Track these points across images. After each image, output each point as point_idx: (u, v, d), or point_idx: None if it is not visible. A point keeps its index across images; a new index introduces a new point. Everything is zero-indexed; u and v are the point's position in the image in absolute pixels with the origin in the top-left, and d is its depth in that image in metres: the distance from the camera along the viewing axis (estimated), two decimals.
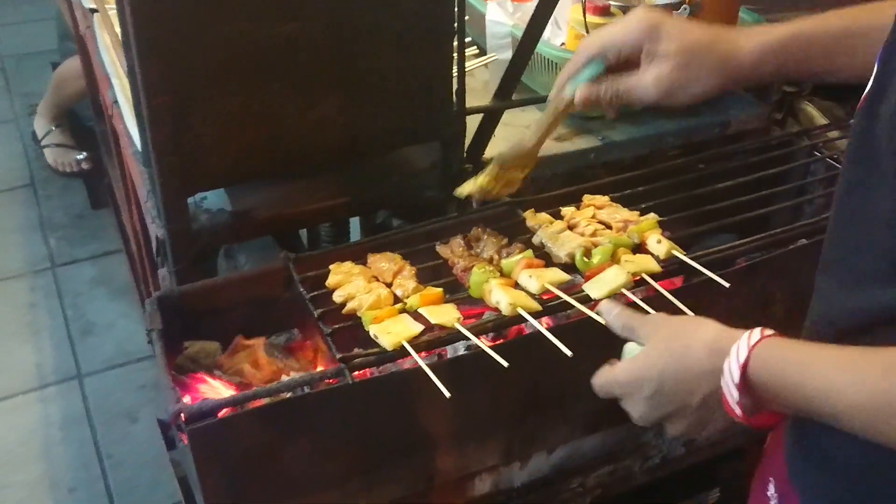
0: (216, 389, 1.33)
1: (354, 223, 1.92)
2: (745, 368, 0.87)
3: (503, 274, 1.33)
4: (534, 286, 1.30)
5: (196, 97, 1.32)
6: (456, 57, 1.51)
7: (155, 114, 1.28)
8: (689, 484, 1.84)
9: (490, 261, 1.38)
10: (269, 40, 1.33)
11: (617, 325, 1.10)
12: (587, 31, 1.67)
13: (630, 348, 1.09)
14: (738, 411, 0.89)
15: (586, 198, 1.52)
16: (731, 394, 0.88)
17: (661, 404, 0.98)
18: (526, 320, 1.28)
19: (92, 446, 2.63)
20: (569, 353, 1.17)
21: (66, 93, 3.49)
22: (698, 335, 0.95)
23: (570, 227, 1.46)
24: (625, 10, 1.77)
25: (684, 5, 1.79)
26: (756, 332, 0.89)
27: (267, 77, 1.36)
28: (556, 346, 1.19)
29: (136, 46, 1.22)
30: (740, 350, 0.88)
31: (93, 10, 1.93)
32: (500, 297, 1.27)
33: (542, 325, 1.25)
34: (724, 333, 0.93)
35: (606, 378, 1.04)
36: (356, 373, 1.23)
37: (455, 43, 1.50)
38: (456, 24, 1.48)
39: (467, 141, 1.62)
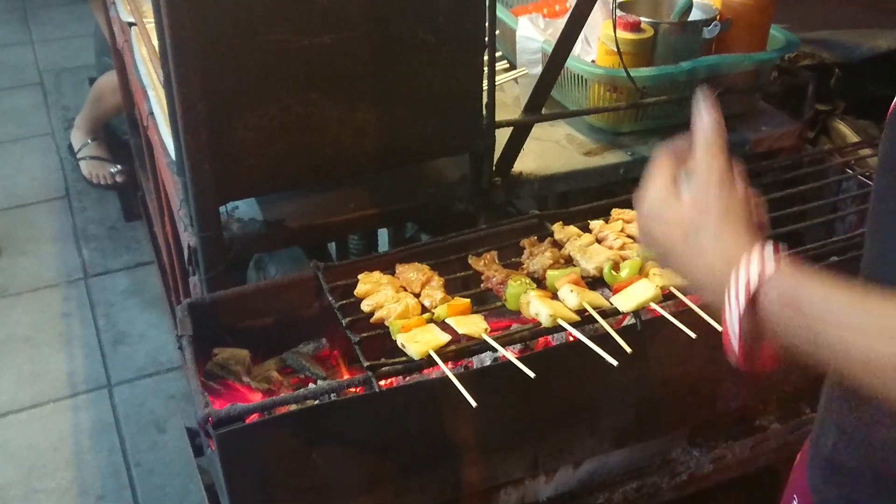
0: (245, 395, 1.34)
1: (383, 236, 1.94)
2: (752, 300, 0.77)
3: (539, 287, 1.34)
4: (573, 301, 1.30)
5: (233, 106, 1.35)
6: (486, 71, 1.52)
7: (190, 123, 1.30)
8: (720, 501, 1.82)
9: (531, 272, 1.39)
10: (307, 50, 1.35)
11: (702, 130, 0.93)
12: (618, 48, 1.67)
13: None
14: (735, 342, 0.80)
15: (615, 212, 1.52)
16: (733, 324, 0.78)
17: (661, 248, 0.90)
18: (556, 332, 1.29)
19: (121, 455, 2.65)
20: (613, 361, 1.18)
21: (103, 107, 3.56)
22: (722, 242, 0.84)
23: (599, 241, 1.46)
24: (655, 26, 1.77)
25: (715, 22, 1.79)
26: (770, 262, 0.78)
27: (304, 87, 1.39)
28: (586, 357, 1.19)
29: (173, 58, 1.25)
30: (751, 279, 0.77)
31: (131, 24, 1.97)
32: (540, 309, 1.27)
33: (584, 336, 1.24)
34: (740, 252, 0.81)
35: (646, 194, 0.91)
36: (383, 381, 1.24)
37: (486, 57, 1.51)
38: (487, 38, 1.49)
39: (497, 154, 1.63)
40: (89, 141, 3.66)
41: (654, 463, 1.57)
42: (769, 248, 0.79)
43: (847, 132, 2.02)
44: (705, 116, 0.92)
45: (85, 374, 2.93)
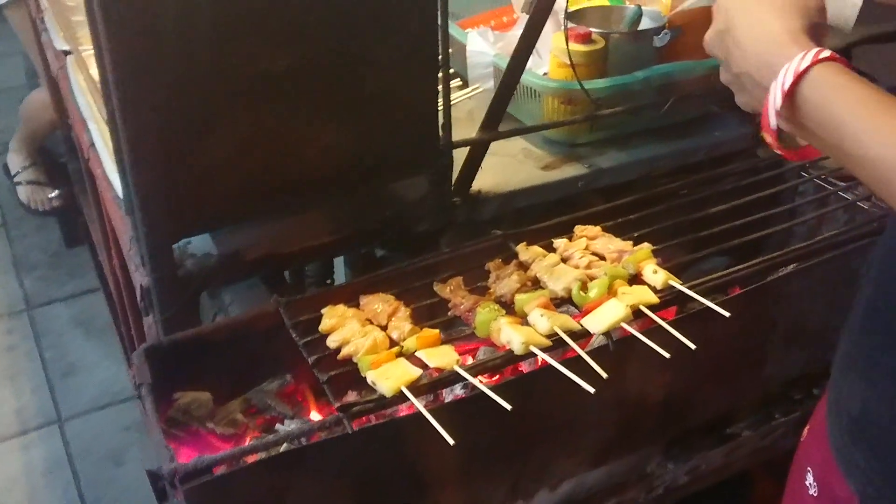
0: (210, 442, 1.29)
1: (339, 260, 1.90)
2: (798, 78, 0.82)
3: (507, 311, 1.32)
4: (544, 326, 1.27)
5: (186, 137, 1.28)
6: (441, 89, 1.49)
7: (139, 162, 1.24)
8: None
9: (498, 297, 1.36)
10: (263, 74, 1.29)
11: None
12: (570, 60, 1.65)
13: None
14: (773, 122, 0.84)
15: (578, 228, 1.51)
16: (775, 99, 0.83)
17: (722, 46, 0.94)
18: (529, 358, 1.26)
19: (76, 491, 2.56)
20: (591, 389, 1.15)
21: (35, 126, 3.44)
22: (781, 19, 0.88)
23: (564, 260, 1.44)
24: (606, 36, 1.76)
25: (665, 30, 1.79)
26: (826, 51, 0.83)
27: (264, 110, 1.33)
28: (561, 382, 1.17)
29: (117, 94, 1.19)
30: (804, 59, 0.82)
31: (66, 52, 1.89)
32: (512, 336, 1.25)
33: (559, 365, 1.22)
34: (797, 35, 0.86)
35: None
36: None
37: (440, 75, 1.48)
38: (441, 56, 1.46)
39: (454, 173, 1.60)
40: (27, 165, 3.54)
41: (631, 478, 1.56)
42: (820, 50, 0.82)
43: None
44: None
45: (34, 409, 2.83)
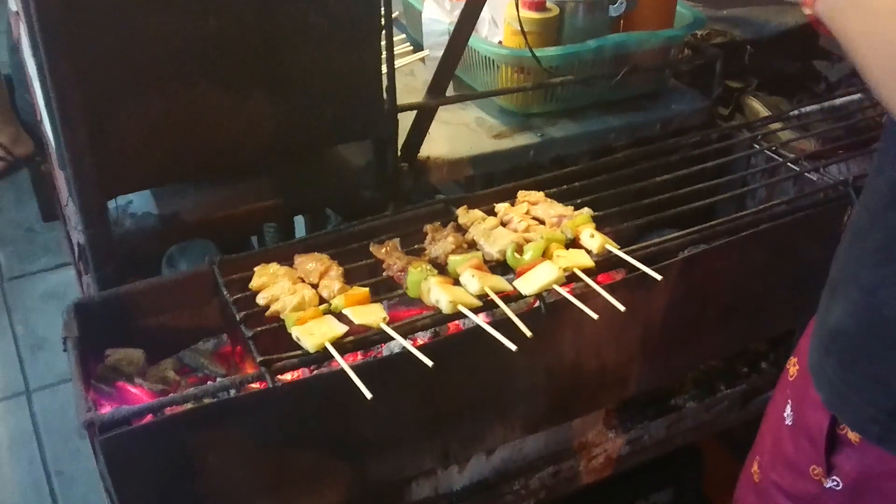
0: (137, 398, 1.28)
1: (300, 226, 1.88)
2: None
3: (441, 272, 1.31)
4: (474, 286, 1.26)
5: (114, 96, 1.28)
6: (385, 54, 1.48)
7: (67, 114, 1.23)
8: (640, 484, 1.82)
9: (433, 259, 1.35)
10: (191, 36, 1.29)
11: None
12: (522, 27, 1.64)
13: None
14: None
15: (521, 194, 1.49)
16: None
17: None
18: (457, 318, 1.26)
19: (41, 465, 2.56)
20: (512, 346, 1.15)
21: None
22: None
23: (503, 224, 1.43)
24: (561, 5, 1.75)
25: (621, 1, 1.77)
26: None
27: (191, 74, 1.32)
28: (489, 343, 1.16)
29: (44, 43, 1.18)
30: None
31: (16, 13, 1.88)
32: (440, 296, 1.24)
33: (482, 322, 1.21)
34: None
35: None
36: (285, 376, 1.20)
37: (384, 41, 1.47)
38: (383, 20, 1.45)
39: (402, 139, 1.59)
40: None
41: (570, 447, 1.55)
42: None
43: (759, 108, 2.02)
44: None
45: (2, 381, 2.82)
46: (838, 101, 1.86)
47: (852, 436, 1.03)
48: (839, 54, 2.10)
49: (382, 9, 1.43)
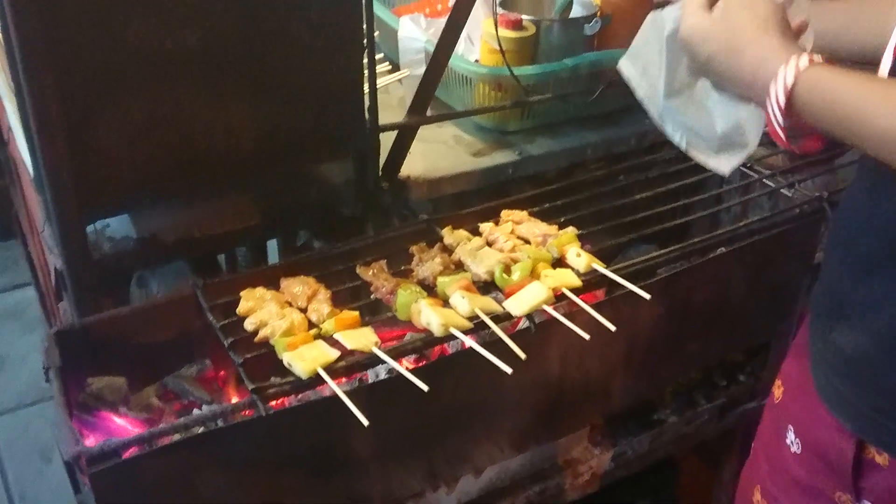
0: (122, 427, 1.26)
1: (273, 245, 1.86)
2: (790, 93, 0.91)
3: (429, 293, 1.30)
4: (465, 308, 1.26)
5: (92, 111, 1.25)
6: (367, 73, 1.47)
7: (45, 132, 1.20)
8: (619, 496, 1.83)
9: (421, 280, 1.35)
10: (171, 48, 1.27)
11: None
12: (500, 46, 1.65)
13: None
14: (781, 135, 0.93)
15: (504, 213, 1.50)
16: (776, 115, 0.92)
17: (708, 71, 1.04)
18: (449, 340, 1.25)
19: (2, 488, 2.49)
20: (508, 369, 1.14)
21: None
22: (754, 42, 0.97)
23: (489, 244, 1.43)
24: (537, 23, 1.76)
25: (596, 18, 1.79)
26: (804, 58, 0.91)
27: (170, 87, 1.31)
28: (481, 364, 1.16)
29: (21, 58, 1.15)
30: (787, 76, 0.91)
31: None
32: (431, 318, 1.23)
33: (476, 344, 1.21)
34: (775, 52, 0.94)
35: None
36: (273, 402, 1.18)
37: (366, 59, 1.46)
38: (366, 40, 1.44)
39: (383, 158, 1.58)
40: None
41: (556, 464, 1.56)
42: (804, 54, 0.92)
43: None
44: None
45: None
46: None
47: (881, 458, 1.02)
48: None
49: (364, 25, 1.42)
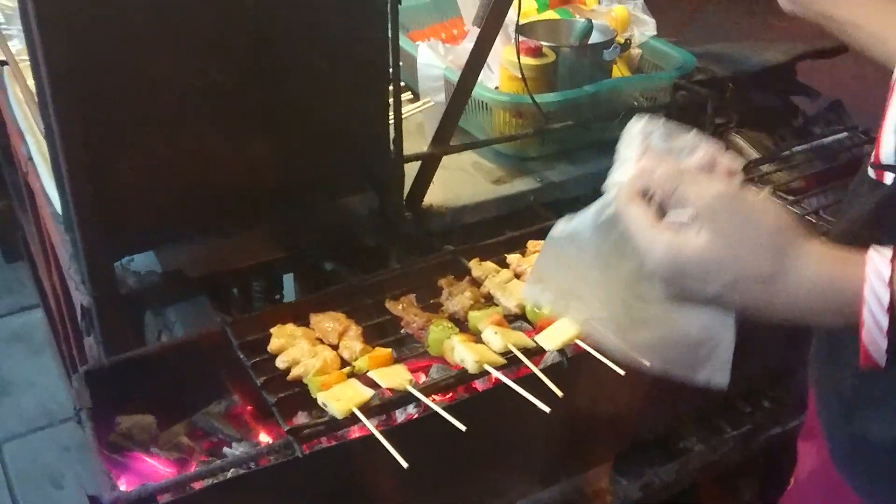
0: (154, 468, 1.24)
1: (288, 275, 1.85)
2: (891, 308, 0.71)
3: (459, 327, 1.30)
4: (498, 343, 1.26)
5: (120, 152, 1.25)
6: (392, 103, 1.46)
7: (76, 176, 1.20)
8: None
9: (451, 314, 1.34)
10: (194, 85, 1.27)
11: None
12: (522, 73, 1.64)
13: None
14: (882, 362, 0.74)
15: (531, 244, 1.49)
16: (878, 343, 0.73)
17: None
18: (483, 376, 1.25)
19: None
20: (546, 409, 1.14)
21: None
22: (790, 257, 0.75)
23: (517, 276, 1.42)
24: (556, 50, 1.75)
25: (615, 44, 1.79)
26: (885, 268, 0.72)
27: (193, 123, 1.30)
28: (515, 400, 1.15)
29: (55, 108, 1.15)
30: (879, 293, 0.72)
31: (2, 63, 1.82)
32: (465, 356, 1.23)
33: (514, 384, 1.20)
34: (830, 266, 0.74)
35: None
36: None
37: (391, 88, 1.45)
38: (391, 70, 1.43)
39: (406, 187, 1.57)
40: None
41: (586, 495, 1.55)
42: (874, 254, 0.73)
43: (743, 145, 2.05)
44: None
45: None
46: (826, 140, 1.90)
47: None
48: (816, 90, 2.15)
49: (390, 56, 1.42)
